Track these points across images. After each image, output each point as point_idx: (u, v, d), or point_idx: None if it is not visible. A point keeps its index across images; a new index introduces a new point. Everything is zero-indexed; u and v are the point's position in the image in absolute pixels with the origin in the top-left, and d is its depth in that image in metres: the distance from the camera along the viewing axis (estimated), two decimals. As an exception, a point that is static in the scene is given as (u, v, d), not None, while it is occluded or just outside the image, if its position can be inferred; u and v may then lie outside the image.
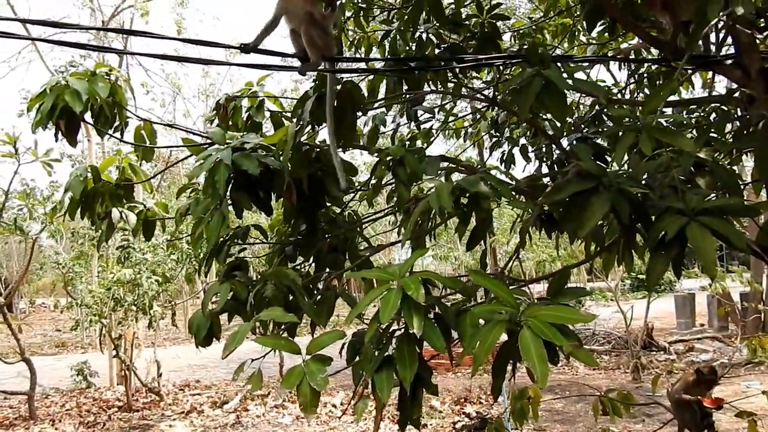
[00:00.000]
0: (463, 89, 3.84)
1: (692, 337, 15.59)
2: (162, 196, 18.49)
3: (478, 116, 4.63)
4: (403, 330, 1.98)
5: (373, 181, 2.80)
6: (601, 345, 15.29)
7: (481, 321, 1.87)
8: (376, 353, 2.03)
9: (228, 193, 2.55)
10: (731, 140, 3.29)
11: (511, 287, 2.07)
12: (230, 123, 3.11)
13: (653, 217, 1.91)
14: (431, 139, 3.93)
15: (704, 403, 3.83)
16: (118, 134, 2.90)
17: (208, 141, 2.79)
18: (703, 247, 1.68)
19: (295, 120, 2.75)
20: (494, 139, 4.48)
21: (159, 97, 26.74)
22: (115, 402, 11.00)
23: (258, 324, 2.40)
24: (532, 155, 4.16)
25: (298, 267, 3.04)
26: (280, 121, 3.21)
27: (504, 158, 4.33)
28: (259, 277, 2.85)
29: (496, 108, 4.36)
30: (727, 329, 16.14)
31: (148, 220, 3.30)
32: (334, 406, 9.90)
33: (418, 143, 4.15)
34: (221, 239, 2.95)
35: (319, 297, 2.79)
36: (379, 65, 3.64)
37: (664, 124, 2.21)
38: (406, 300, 1.80)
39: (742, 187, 3.18)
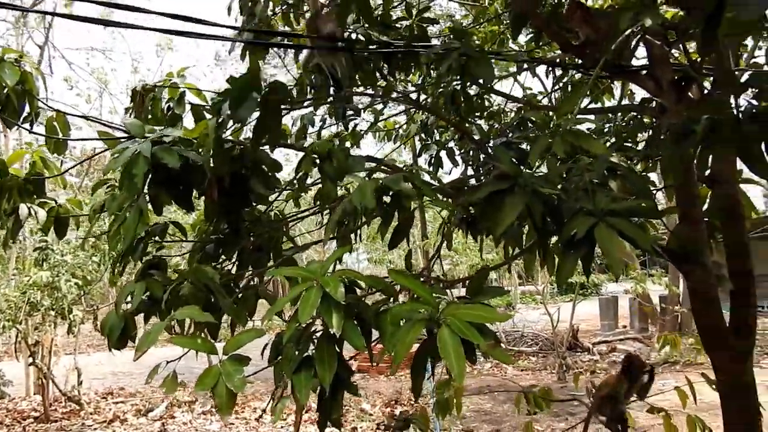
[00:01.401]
0: (393, 93, 3.87)
1: (615, 339, 16.20)
2: (86, 196, 17.75)
3: (408, 118, 4.67)
4: (323, 330, 1.96)
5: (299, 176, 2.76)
6: (529, 347, 15.69)
7: (402, 320, 1.88)
8: (297, 353, 2.01)
9: (146, 189, 2.46)
10: (644, 148, 3.44)
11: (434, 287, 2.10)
12: (149, 116, 3.00)
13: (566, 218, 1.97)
14: (359, 140, 3.93)
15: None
16: (28, 125, 2.75)
17: (126, 135, 2.67)
18: (610, 247, 1.74)
19: (216, 115, 2.66)
20: (423, 142, 4.53)
21: (84, 93, 25.64)
22: (31, 413, 10.46)
23: (175, 324, 2.34)
24: (459, 159, 4.23)
25: (219, 267, 2.97)
26: (202, 115, 3.12)
27: (431, 161, 4.38)
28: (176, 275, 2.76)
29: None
30: (647, 330, 16.87)
31: (60, 217, 3.14)
32: (263, 411, 9.74)
33: (347, 144, 4.15)
34: (138, 236, 2.84)
35: (239, 296, 2.73)
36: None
37: (580, 129, 2.29)
38: (325, 298, 1.78)
39: (654, 192, 3.34)
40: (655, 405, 3.88)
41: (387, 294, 2.17)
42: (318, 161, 2.50)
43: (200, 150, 2.52)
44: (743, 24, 2.17)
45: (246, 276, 2.96)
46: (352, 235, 2.76)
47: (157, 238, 2.98)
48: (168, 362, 2.26)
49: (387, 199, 2.26)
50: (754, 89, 2.09)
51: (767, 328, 15.74)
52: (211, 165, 2.50)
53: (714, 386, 3.28)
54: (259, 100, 2.41)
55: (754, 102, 2.11)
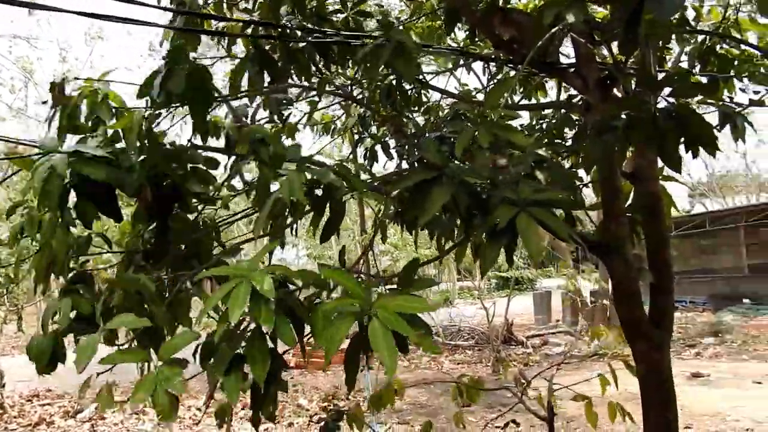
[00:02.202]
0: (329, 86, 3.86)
1: (547, 332, 16.69)
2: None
3: (345, 111, 4.67)
4: (254, 327, 1.93)
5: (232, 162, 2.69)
6: (465, 340, 15.96)
7: (334, 315, 1.88)
8: (228, 352, 1.97)
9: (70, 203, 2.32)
10: (571, 143, 3.56)
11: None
12: (69, 121, 2.83)
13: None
14: (294, 132, 3.90)
15: None
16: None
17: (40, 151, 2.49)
18: (529, 236, 1.80)
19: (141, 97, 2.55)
20: (360, 135, 4.54)
21: (8, 82, 24.31)
22: (-52, 417, 9.94)
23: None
24: (394, 153, 4.26)
25: (150, 275, 2.85)
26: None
27: (366, 155, 4.39)
28: (105, 287, 2.63)
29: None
30: (577, 324, 17.43)
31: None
32: (198, 409, 9.56)
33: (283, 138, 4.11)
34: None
35: (171, 302, 2.63)
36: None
37: (506, 122, 2.34)
38: (255, 295, 1.76)
39: (581, 187, 3.46)
40: (588, 398, 4.03)
41: (318, 288, 2.17)
42: (253, 146, 2.43)
43: (125, 150, 2.39)
44: (662, 25, 2.27)
45: (178, 281, 2.86)
46: (291, 232, 2.72)
47: (80, 249, 2.82)
48: (99, 374, 2.16)
49: (319, 192, 2.26)
50: (671, 88, 2.18)
51: (689, 322, 16.57)
52: (141, 165, 2.37)
53: (634, 374, 3.44)
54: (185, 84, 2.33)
55: (672, 101, 2.22)
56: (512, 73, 4.48)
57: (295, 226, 2.82)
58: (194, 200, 2.79)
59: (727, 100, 3.56)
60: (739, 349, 13.06)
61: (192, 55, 2.97)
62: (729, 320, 16.51)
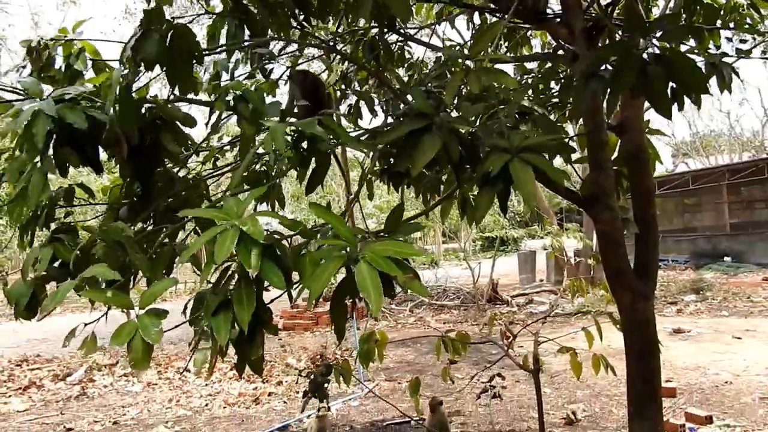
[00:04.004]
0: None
1: (532, 291, 16.90)
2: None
3: (327, 67, 4.59)
4: (241, 272, 1.93)
5: (212, 120, 2.65)
6: (451, 300, 16.13)
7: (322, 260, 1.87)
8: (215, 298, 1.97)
9: (51, 151, 2.28)
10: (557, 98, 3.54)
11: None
12: (46, 75, 2.76)
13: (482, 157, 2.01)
14: (275, 88, 3.83)
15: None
16: None
17: (21, 96, 2.42)
18: (523, 181, 1.79)
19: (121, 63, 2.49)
20: (342, 92, 4.48)
21: (-22, 50, 23.62)
22: (-63, 383, 9.93)
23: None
24: (378, 109, 4.21)
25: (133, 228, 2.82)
26: (105, 70, 2.90)
27: (350, 111, 4.34)
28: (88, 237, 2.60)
29: (345, 61, 4.35)
30: (562, 283, 17.67)
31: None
32: (187, 370, 9.62)
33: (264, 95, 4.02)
34: (42, 202, 2.64)
35: (154, 255, 2.61)
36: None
37: (497, 68, 2.31)
38: (242, 238, 1.74)
39: (567, 140, 3.45)
40: (567, 346, 4.10)
41: (305, 236, 2.16)
42: (232, 102, 2.39)
43: (105, 104, 2.34)
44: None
45: (161, 234, 2.83)
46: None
47: (63, 202, 2.79)
48: (86, 324, 2.16)
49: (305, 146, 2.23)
50: (661, 31, 2.16)
51: (672, 279, 16.85)
52: (117, 120, 2.34)
53: (618, 326, 3.50)
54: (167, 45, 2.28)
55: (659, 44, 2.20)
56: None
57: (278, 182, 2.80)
58: (169, 159, 2.74)
59: (714, 51, 3.55)
60: (719, 305, 13.34)
61: (170, 15, 2.88)
62: (710, 278, 16.82)
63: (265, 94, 3.92)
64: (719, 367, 8.06)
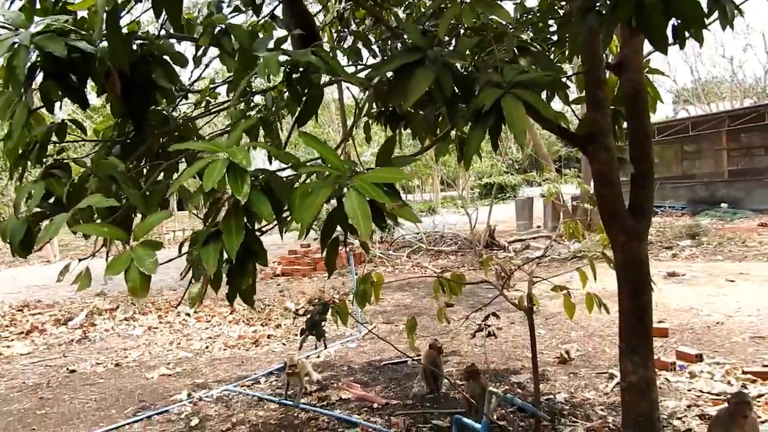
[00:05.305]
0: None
1: (529, 237, 17.01)
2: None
3: (323, 6, 4.49)
4: (231, 203, 1.92)
5: (199, 54, 2.60)
6: (448, 246, 16.25)
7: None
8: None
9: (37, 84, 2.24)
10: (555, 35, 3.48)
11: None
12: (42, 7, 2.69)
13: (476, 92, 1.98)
14: (272, 30, 3.74)
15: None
16: None
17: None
18: (515, 117, 1.78)
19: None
20: (339, 33, 4.39)
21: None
22: (-61, 327, 10.08)
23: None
24: (376, 48, 4.14)
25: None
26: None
27: (348, 51, 4.26)
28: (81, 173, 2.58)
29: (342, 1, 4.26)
30: (558, 229, 17.77)
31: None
32: (188, 314, 9.77)
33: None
34: (34, 138, 2.61)
35: (148, 192, 2.60)
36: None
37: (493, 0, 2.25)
38: (232, 168, 1.74)
39: (565, 80, 3.41)
40: (561, 285, 4.14)
41: (295, 169, 2.15)
42: (216, 36, 2.33)
43: (92, 34, 2.29)
44: None
45: (155, 172, 2.81)
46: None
47: (55, 138, 2.76)
48: (80, 260, 2.16)
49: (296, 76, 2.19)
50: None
51: (668, 225, 16.93)
52: (108, 53, 2.28)
53: (612, 265, 3.52)
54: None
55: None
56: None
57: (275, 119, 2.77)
58: (162, 97, 2.70)
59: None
60: (714, 250, 13.45)
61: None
62: (706, 224, 16.91)
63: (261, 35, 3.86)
64: (712, 308, 8.19)
